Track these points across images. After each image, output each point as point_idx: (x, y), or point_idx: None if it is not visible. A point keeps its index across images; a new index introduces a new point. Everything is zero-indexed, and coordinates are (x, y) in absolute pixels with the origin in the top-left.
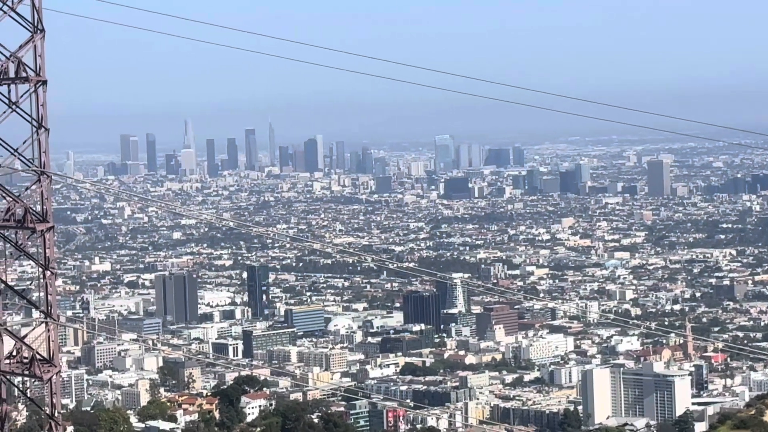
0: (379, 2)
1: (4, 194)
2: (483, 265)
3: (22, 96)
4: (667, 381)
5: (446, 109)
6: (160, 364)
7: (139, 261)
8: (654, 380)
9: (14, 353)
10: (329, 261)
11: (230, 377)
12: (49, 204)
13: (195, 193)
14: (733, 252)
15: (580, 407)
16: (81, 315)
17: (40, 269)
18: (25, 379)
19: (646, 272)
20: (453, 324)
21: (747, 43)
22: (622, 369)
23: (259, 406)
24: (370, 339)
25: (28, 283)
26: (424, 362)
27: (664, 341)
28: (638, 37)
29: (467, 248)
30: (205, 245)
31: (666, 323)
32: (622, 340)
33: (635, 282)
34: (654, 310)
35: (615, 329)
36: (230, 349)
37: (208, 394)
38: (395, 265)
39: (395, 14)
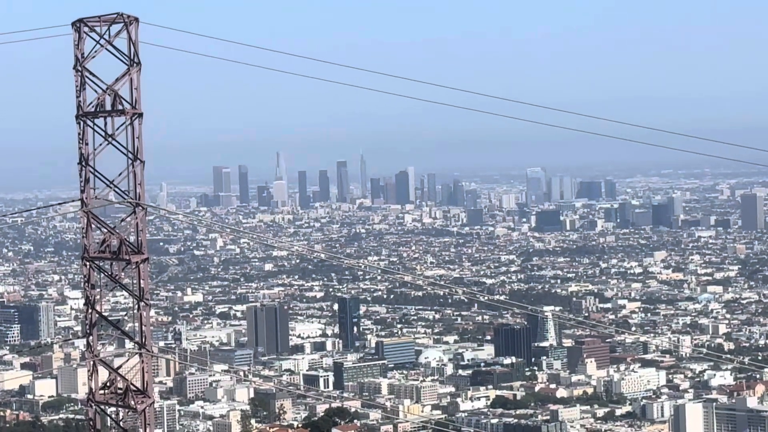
0: (466, 31)
1: (99, 226)
2: (574, 299)
3: (118, 129)
4: (761, 416)
5: (538, 141)
6: (252, 395)
7: (230, 292)
8: (747, 415)
9: (108, 384)
10: (420, 293)
11: (321, 409)
12: (143, 236)
13: (287, 225)
14: None
15: None
16: (173, 346)
17: (135, 300)
18: (119, 409)
19: (740, 306)
20: (544, 357)
21: None
22: (715, 404)
23: None
24: (460, 372)
25: (123, 314)
26: (514, 395)
27: (758, 376)
28: (731, 72)
29: (558, 281)
30: (296, 277)
31: (759, 358)
32: (715, 375)
33: (728, 316)
34: (747, 344)
35: (708, 363)
36: (321, 380)
37: (299, 425)
38: (486, 298)
39: (482, 45)
